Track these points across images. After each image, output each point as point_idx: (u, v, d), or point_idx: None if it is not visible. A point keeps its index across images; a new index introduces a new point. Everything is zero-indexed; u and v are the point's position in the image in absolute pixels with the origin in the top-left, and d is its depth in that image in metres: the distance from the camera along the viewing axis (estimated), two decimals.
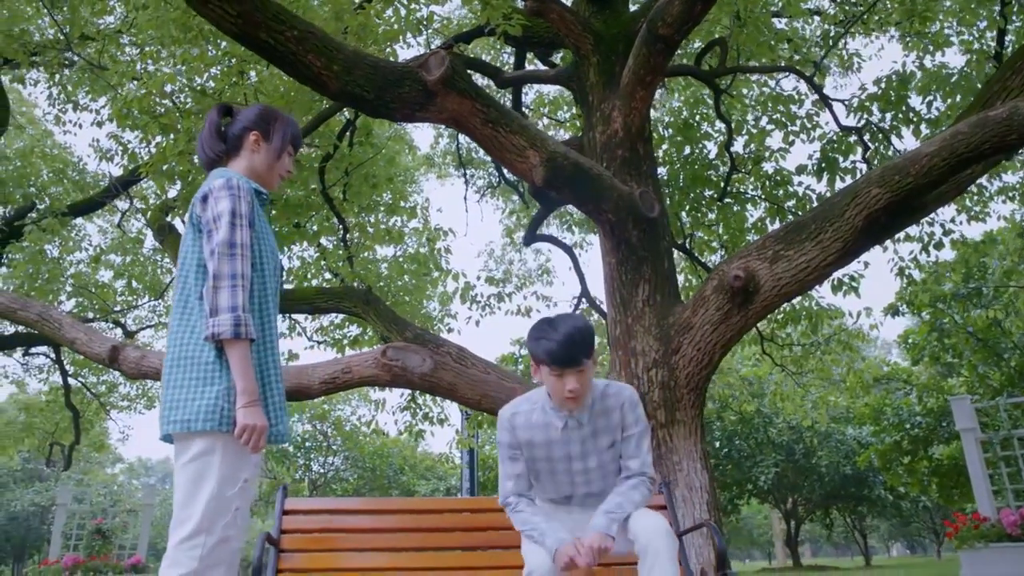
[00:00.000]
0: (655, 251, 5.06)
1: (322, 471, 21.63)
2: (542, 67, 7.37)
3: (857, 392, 9.97)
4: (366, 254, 8.90)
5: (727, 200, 7.13)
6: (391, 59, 7.07)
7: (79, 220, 11.93)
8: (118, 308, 10.95)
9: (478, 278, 8.41)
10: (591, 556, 2.40)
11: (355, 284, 7.01)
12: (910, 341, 13.09)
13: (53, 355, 11.11)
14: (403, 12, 6.91)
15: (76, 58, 8.68)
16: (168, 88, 6.77)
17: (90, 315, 11.01)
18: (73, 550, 18.11)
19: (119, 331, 11.70)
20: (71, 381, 11.67)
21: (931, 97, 5.86)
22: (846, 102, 6.47)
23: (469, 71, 7.31)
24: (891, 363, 15.06)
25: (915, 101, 6.31)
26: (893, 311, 11.63)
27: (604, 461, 2.70)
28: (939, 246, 6.77)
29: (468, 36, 7.08)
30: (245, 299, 1.96)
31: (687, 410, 4.76)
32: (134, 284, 9.42)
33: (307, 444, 20.87)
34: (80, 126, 9.99)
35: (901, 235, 7.04)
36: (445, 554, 3.28)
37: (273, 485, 20.71)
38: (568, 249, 7.53)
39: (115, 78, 7.67)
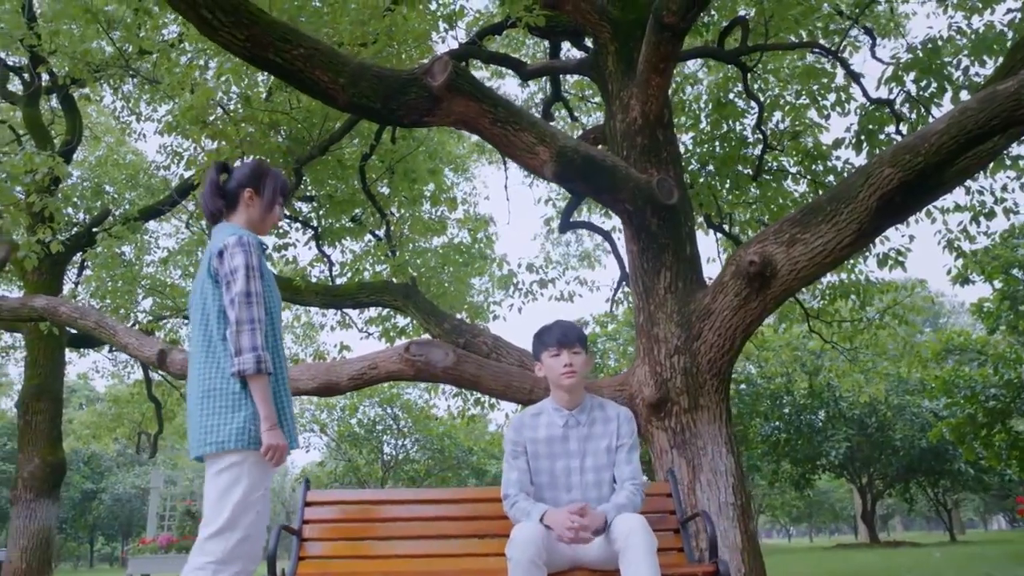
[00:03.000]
0: (676, 238, 5.07)
1: (393, 453, 22.38)
2: (579, 54, 7.38)
3: (927, 364, 9.58)
4: (414, 244, 9.16)
5: (765, 177, 7.02)
6: (427, 56, 7.22)
7: (152, 224, 12.66)
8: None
9: (519, 265, 8.53)
10: (590, 522, 2.64)
11: (395, 279, 7.24)
12: (985, 309, 12.50)
13: None
14: (434, 6, 7.05)
15: (135, 73, 9.20)
16: (218, 95, 7.14)
17: (166, 313, 11.71)
18: (167, 530, 19.44)
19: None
20: (152, 375, 12.44)
21: (967, 61, 5.59)
22: (886, 63, 6.21)
23: (497, 64, 7.41)
24: (965, 332, 14.40)
25: (964, 64, 6.03)
26: (962, 280, 11.12)
27: (600, 464, 2.96)
28: (991, 215, 6.49)
29: (497, 28, 7.15)
30: (262, 339, 2.32)
31: (711, 395, 4.78)
32: None
33: (378, 427, 21.59)
34: (144, 136, 10.57)
35: (950, 205, 6.79)
36: (463, 542, 3.46)
37: (348, 468, 21.57)
38: (606, 234, 7.55)
39: (168, 90, 8.11)
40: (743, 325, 4.65)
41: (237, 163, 2.75)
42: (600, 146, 6.40)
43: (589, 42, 7.53)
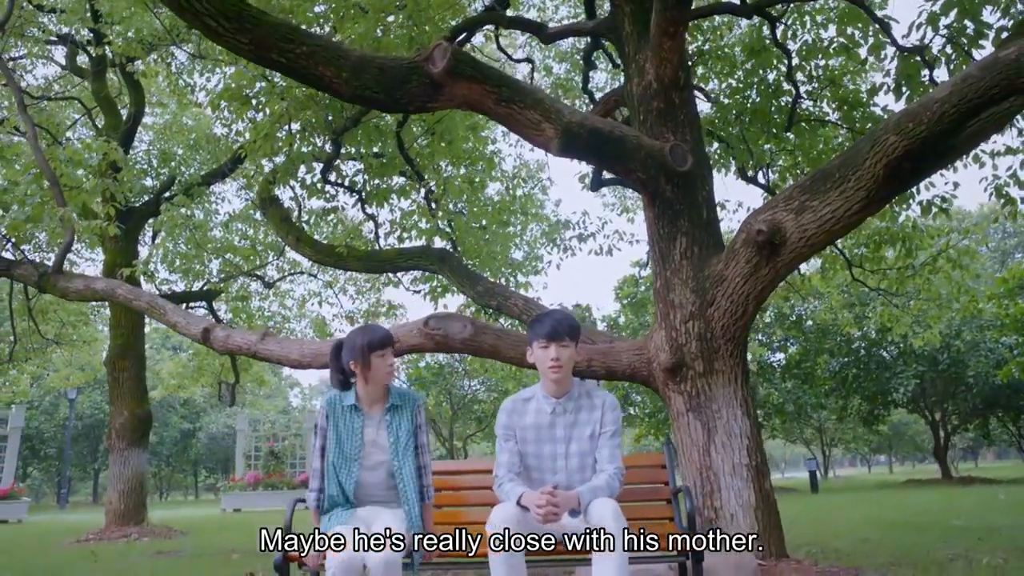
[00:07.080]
0: (692, 203, 5.08)
1: (461, 394, 23.17)
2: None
3: (982, 310, 9.18)
4: (461, 200, 9.33)
5: (801, 125, 6.83)
6: (460, 17, 7.24)
7: (219, 186, 13.22)
8: (259, 264, 12.21)
9: (557, 221, 8.59)
10: (561, 502, 2.78)
11: (435, 240, 7.47)
12: None
13: (206, 307, 12.64)
14: None
15: (186, 43, 9.53)
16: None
17: (233, 273, 12.36)
18: (254, 468, 20.90)
19: (259, 283, 13.05)
20: None
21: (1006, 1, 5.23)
22: (921, 6, 5.84)
23: (518, 28, 7.36)
24: None
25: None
26: None
27: (583, 450, 3.12)
28: None
29: None
30: (312, 482, 3.07)
31: (725, 359, 4.86)
32: (258, 247, 10.44)
33: (445, 370, 22.33)
34: (200, 106, 10.99)
35: (1000, 148, 6.46)
36: (473, 510, 3.76)
37: None
38: (638, 189, 7.53)
39: (211, 64, 8.41)
40: (755, 292, 4.68)
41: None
42: (621, 108, 6.35)
43: None
